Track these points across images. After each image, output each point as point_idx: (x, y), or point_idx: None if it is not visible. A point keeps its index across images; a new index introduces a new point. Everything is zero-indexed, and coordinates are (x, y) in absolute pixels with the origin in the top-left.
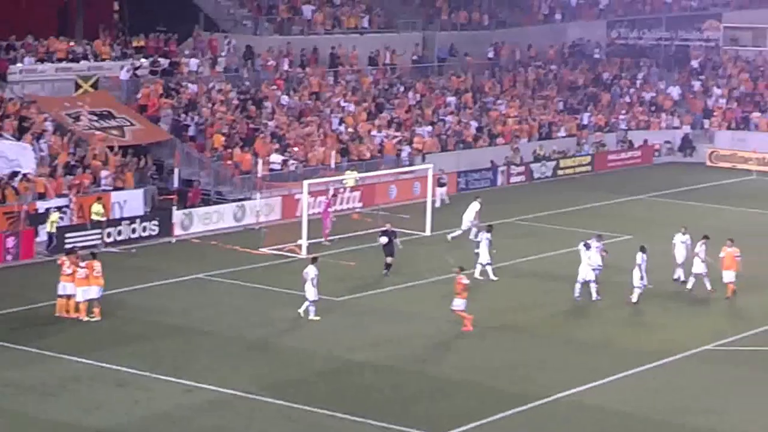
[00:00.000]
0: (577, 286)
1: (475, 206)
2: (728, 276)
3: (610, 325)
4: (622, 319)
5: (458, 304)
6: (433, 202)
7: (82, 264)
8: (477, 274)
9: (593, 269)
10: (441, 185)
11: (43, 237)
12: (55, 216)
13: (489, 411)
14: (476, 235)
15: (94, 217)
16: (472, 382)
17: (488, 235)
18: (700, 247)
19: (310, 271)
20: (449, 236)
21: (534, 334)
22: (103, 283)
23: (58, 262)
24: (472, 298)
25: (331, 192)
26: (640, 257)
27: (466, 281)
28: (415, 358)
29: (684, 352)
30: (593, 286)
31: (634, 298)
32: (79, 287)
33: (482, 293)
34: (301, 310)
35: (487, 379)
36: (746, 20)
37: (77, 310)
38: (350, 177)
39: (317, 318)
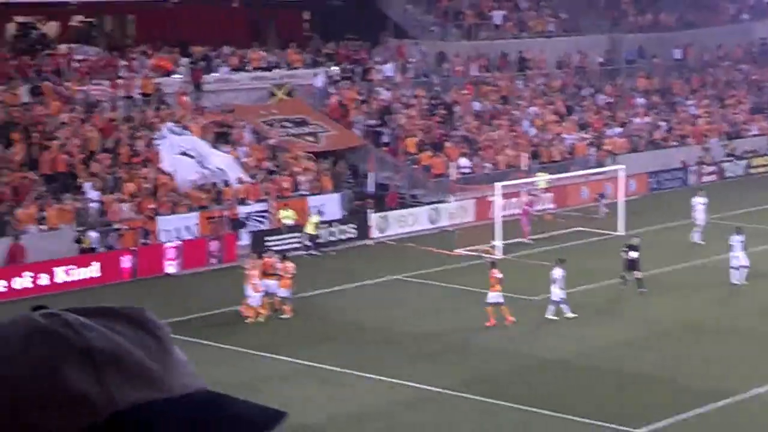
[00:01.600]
0: None
1: (701, 200)
2: None
3: None
4: None
5: (492, 297)
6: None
7: (279, 265)
8: (735, 279)
9: None
10: (601, 196)
11: (245, 240)
12: (315, 218)
13: (684, 407)
14: (699, 238)
15: (285, 221)
16: (666, 378)
17: (741, 237)
18: None
19: (556, 272)
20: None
21: (732, 332)
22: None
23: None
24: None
25: (529, 193)
26: None
27: (499, 275)
28: (611, 356)
29: None
30: None
31: None
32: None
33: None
34: (549, 315)
35: (682, 375)
36: None
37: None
38: (542, 179)
39: (574, 315)
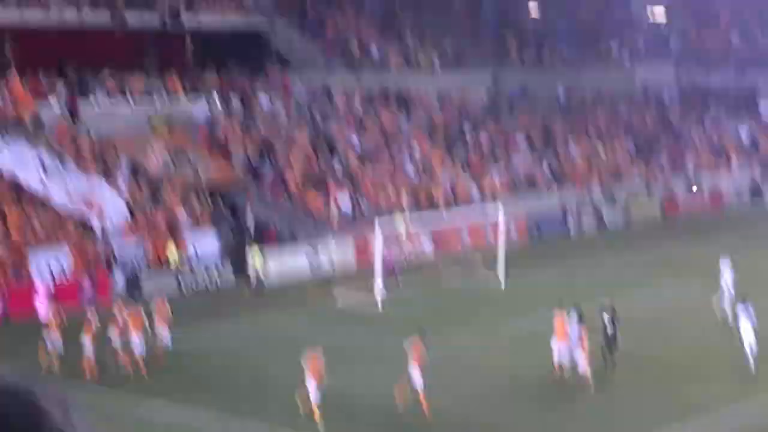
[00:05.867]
0: None
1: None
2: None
3: None
4: None
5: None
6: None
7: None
8: None
9: None
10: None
11: (120, 280)
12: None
13: None
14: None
15: (171, 259)
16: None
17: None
18: None
19: None
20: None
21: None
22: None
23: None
24: None
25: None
26: None
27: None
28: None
29: None
30: None
31: None
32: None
33: None
34: None
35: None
36: None
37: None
38: (399, 220)
39: None
